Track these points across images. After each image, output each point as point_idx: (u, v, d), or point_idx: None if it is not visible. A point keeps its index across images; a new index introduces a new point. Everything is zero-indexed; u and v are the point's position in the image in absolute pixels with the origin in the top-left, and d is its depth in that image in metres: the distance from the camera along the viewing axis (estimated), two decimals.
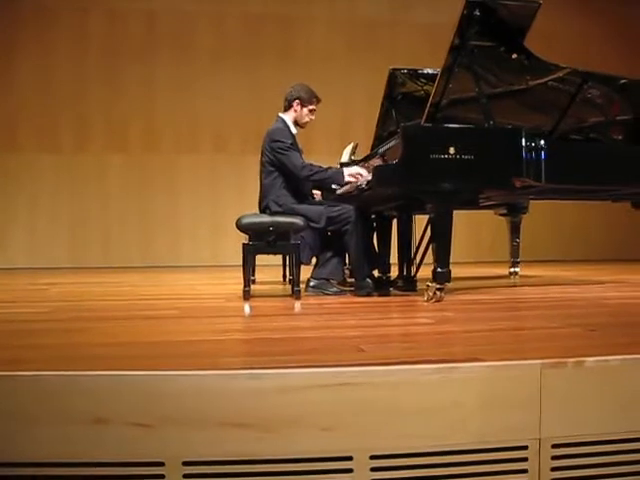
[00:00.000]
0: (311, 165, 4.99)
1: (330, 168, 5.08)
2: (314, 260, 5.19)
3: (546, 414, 2.06)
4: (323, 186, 5.31)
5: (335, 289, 4.99)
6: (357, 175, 4.82)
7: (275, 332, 3.07)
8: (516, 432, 2.06)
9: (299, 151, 5.13)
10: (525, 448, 2.06)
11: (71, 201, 10.60)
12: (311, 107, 5.18)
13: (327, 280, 5.03)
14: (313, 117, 5.24)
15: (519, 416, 2.06)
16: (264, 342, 2.79)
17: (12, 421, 1.91)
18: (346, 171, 4.92)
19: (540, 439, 2.06)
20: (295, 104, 5.16)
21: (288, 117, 5.18)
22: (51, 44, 10.53)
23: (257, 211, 5.31)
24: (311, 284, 5.02)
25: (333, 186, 5.17)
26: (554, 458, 2.07)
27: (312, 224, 4.85)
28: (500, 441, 2.05)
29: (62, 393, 1.94)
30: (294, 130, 5.16)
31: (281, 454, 1.95)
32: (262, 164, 5.18)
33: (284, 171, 5.02)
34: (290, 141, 5.05)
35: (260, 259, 5.18)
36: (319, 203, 5.25)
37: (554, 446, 2.07)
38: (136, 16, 10.77)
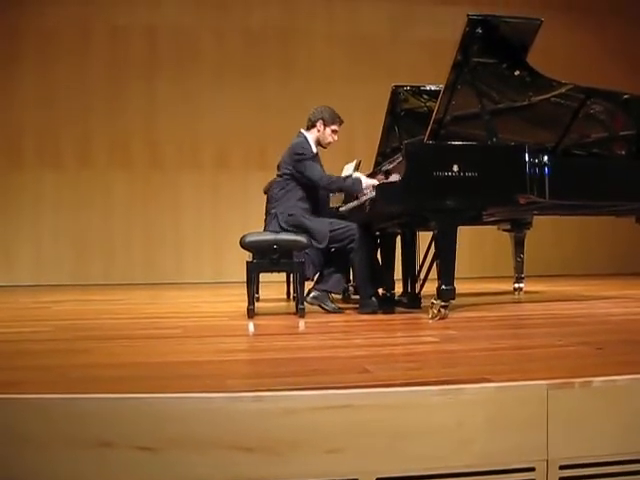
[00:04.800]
0: (330, 175, 5.04)
1: (348, 177, 5.11)
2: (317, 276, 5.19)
3: (553, 435, 2.05)
4: (344, 193, 5.33)
5: (333, 306, 4.99)
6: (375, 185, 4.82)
7: (280, 352, 3.06)
8: (523, 453, 2.05)
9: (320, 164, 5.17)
10: (532, 470, 2.05)
11: (74, 218, 10.59)
12: (334, 127, 5.21)
13: (327, 293, 5.04)
14: (336, 138, 5.28)
15: (526, 437, 2.05)
16: (269, 363, 2.78)
17: (17, 444, 1.90)
18: (364, 180, 4.91)
19: (547, 460, 2.05)
20: (319, 124, 5.19)
21: (310, 136, 5.21)
22: (53, 60, 10.56)
23: (261, 225, 5.31)
24: (312, 294, 5.02)
25: (342, 209, 5.21)
26: (562, 479, 2.06)
27: (314, 243, 4.86)
28: (507, 462, 2.04)
29: (67, 416, 1.93)
30: (314, 149, 5.17)
31: (287, 477, 1.94)
32: (279, 176, 5.24)
33: (303, 182, 5.05)
34: (311, 153, 5.09)
35: (264, 276, 5.18)
36: (331, 215, 5.25)
37: (562, 467, 2.06)
38: (138, 32, 10.80)
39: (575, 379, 2.13)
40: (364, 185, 4.86)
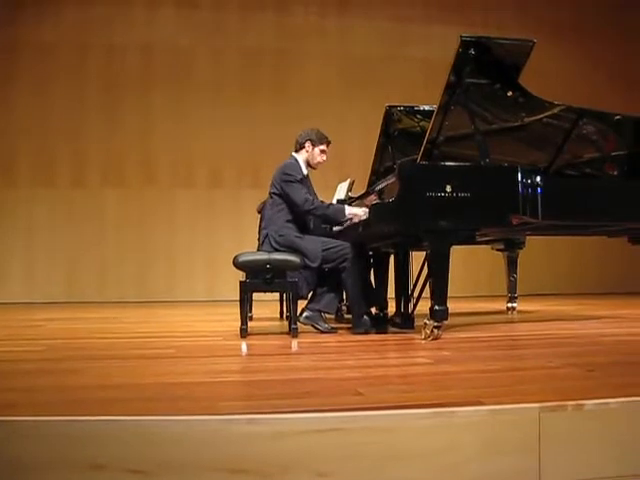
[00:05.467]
0: (314, 200, 5.03)
1: (332, 204, 5.14)
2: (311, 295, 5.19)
3: (545, 459, 2.05)
4: (325, 221, 5.32)
5: (326, 326, 4.98)
6: (358, 214, 4.82)
7: (272, 374, 3.05)
8: (515, 476, 2.04)
9: (308, 188, 5.15)
10: None
11: (68, 236, 10.59)
12: (322, 147, 5.23)
13: (320, 313, 5.03)
14: (325, 158, 5.29)
15: (518, 461, 2.04)
16: (261, 384, 2.77)
17: (8, 467, 1.89)
18: (347, 209, 4.93)
19: None
20: (307, 145, 5.21)
21: (300, 157, 5.23)
22: (49, 79, 10.60)
23: (254, 244, 5.30)
24: (305, 314, 5.01)
25: (335, 229, 5.21)
26: None
27: (307, 262, 4.85)
28: None
29: (59, 439, 1.92)
30: (305, 171, 5.18)
31: None
32: (270, 195, 5.23)
33: (289, 203, 5.05)
34: (300, 176, 5.09)
35: (257, 294, 5.18)
36: (324, 234, 5.24)
37: None
38: (134, 51, 10.86)
39: (568, 402, 2.13)
40: (347, 213, 4.90)
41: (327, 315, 5.20)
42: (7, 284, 10.40)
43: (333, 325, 5.17)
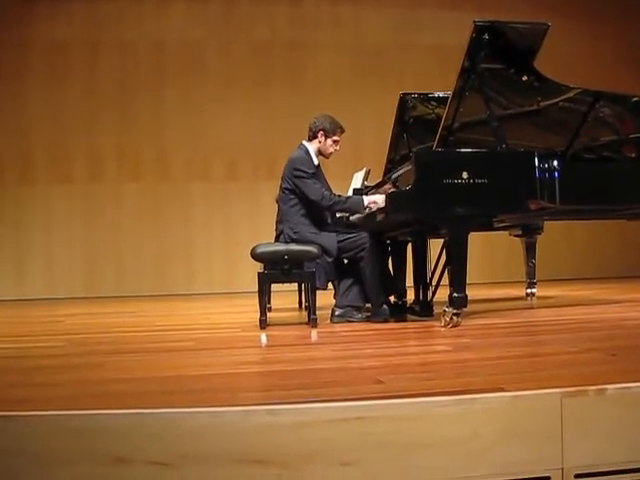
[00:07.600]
0: (331, 195, 4.97)
1: (350, 197, 5.07)
2: (329, 285, 5.16)
3: (568, 444, 2.04)
4: (345, 213, 5.29)
5: (360, 315, 4.96)
6: (377, 202, 4.78)
7: (292, 364, 3.05)
8: (538, 462, 2.03)
9: (322, 180, 5.12)
10: (548, 479, 2.03)
11: (85, 231, 10.62)
12: (335, 138, 5.13)
13: (351, 307, 5.01)
14: (338, 148, 5.20)
15: (540, 446, 2.04)
16: (281, 375, 2.78)
17: (31, 461, 1.90)
18: (365, 200, 4.88)
19: (563, 469, 2.04)
20: (319, 135, 5.12)
21: (312, 147, 5.14)
22: (62, 74, 10.61)
23: (271, 236, 5.29)
24: (336, 313, 4.97)
25: (352, 218, 5.17)
26: None
27: (325, 256, 4.83)
28: (522, 472, 2.03)
29: (81, 432, 1.93)
30: (316, 161, 5.13)
31: None
32: (282, 190, 5.17)
33: (304, 199, 5.01)
34: (312, 170, 5.01)
35: (276, 284, 5.16)
36: (335, 230, 5.21)
37: (577, 476, 2.05)
38: (146, 46, 10.85)
39: (589, 387, 2.11)
40: (366, 203, 4.81)
41: None
42: (26, 281, 10.45)
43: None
